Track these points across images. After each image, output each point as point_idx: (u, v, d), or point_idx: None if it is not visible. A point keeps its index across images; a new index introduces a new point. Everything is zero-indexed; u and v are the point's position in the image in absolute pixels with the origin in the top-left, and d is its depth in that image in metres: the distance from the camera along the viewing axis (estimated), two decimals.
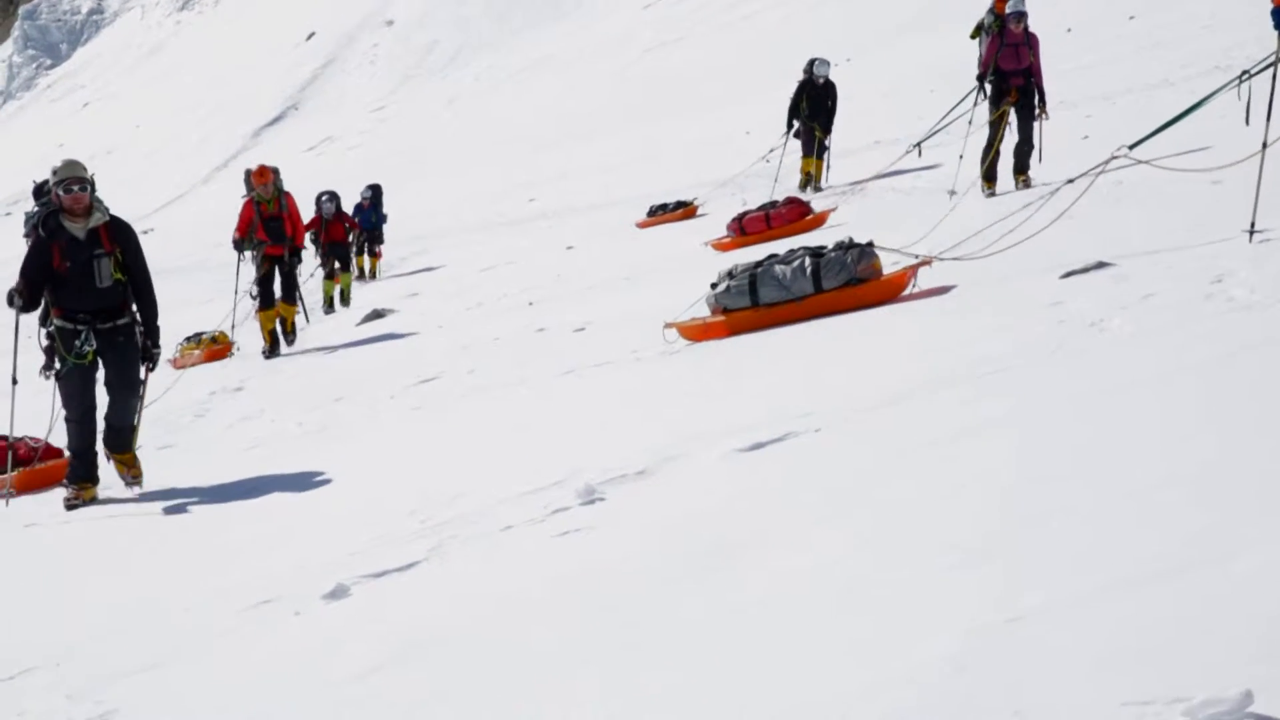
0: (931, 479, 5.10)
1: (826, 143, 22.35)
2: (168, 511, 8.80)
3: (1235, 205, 9.50)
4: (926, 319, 9.06)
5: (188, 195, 75.66)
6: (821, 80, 22.40)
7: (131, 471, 9.81)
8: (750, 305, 10.37)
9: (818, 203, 19.21)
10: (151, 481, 9.70)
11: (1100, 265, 8.87)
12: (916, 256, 10.05)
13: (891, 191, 18.89)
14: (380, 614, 5.25)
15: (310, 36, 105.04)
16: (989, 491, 4.73)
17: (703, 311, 10.72)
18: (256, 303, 17.78)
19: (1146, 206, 11.42)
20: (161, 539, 8.11)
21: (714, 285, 10.64)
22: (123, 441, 9.81)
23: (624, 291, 15.44)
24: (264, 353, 17.53)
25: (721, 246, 17.63)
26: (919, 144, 17.08)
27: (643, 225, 23.53)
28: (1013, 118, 16.30)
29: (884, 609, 3.92)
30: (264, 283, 17.53)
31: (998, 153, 16.10)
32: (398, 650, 4.67)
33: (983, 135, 16.40)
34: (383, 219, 28.14)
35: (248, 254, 17.88)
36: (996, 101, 16.44)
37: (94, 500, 9.63)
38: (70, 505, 9.57)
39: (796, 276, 10.18)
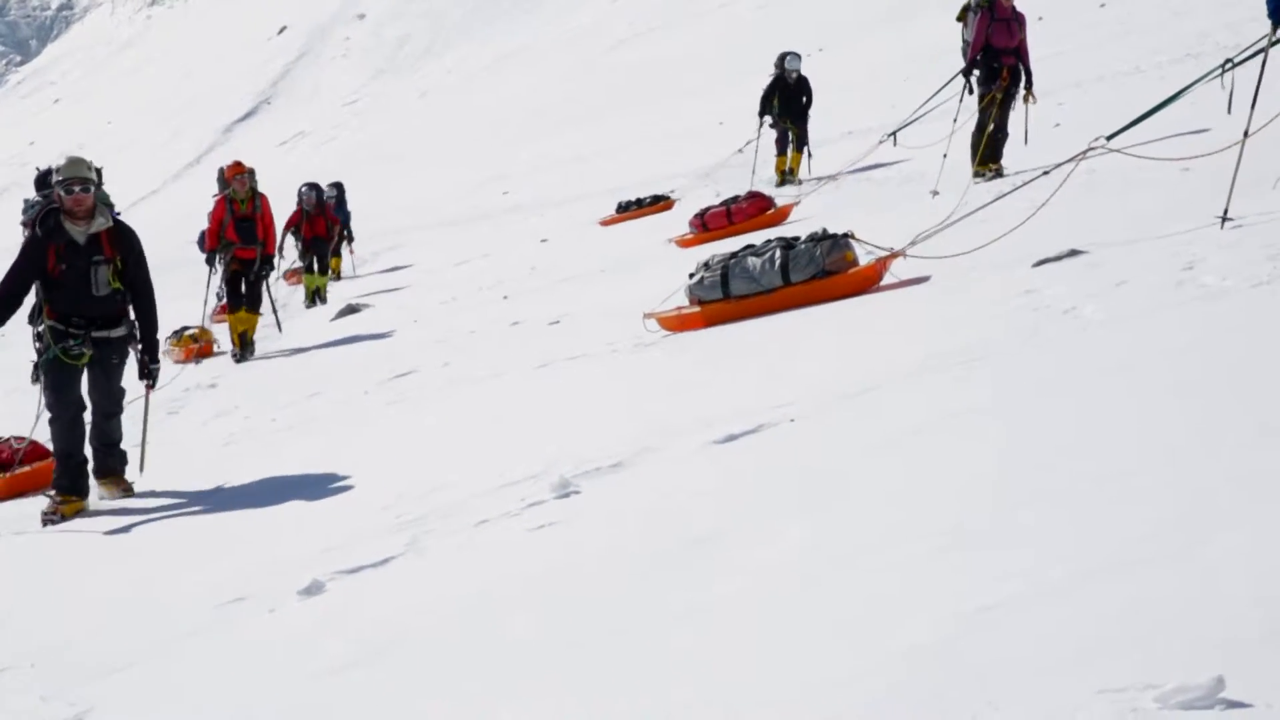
0: (906, 468, 5.11)
1: (805, 134, 22.10)
2: (141, 509, 8.76)
3: (1206, 193, 9.53)
4: (901, 309, 9.08)
5: (160, 191, 75.44)
6: (794, 77, 22.13)
7: (120, 486, 9.30)
8: (722, 297, 10.39)
9: (784, 197, 19.14)
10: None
11: (1073, 253, 8.90)
12: (890, 249, 10.04)
13: (866, 182, 18.89)
14: (355, 610, 5.24)
15: (282, 30, 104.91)
16: (963, 480, 4.73)
17: (682, 301, 10.73)
18: (223, 304, 17.29)
19: (1118, 194, 11.45)
20: (135, 537, 8.07)
21: (691, 275, 10.66)
22: (112, 462, 9.32)
23: (599, 284, 15.44)
24: (233, 355, 16.99)
25: (684, 243, 17.59)
26: (894, 133, 17.00)
27: (606, 223, 23.28)
28: None
29: (858, 598, 3.92)
30: (231, 284, 16.88)
31: (990, 136, 15.99)
32: (373, 647, 4.66)
33: (966, 131, 16.24)
34: (348, 216, 27.85)
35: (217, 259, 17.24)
36: (989, 82, 16.19)
37: (79, 514, 8.97)
38: (47, 520, 8.96)
39: (766, 269, 10.20)
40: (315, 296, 23.25)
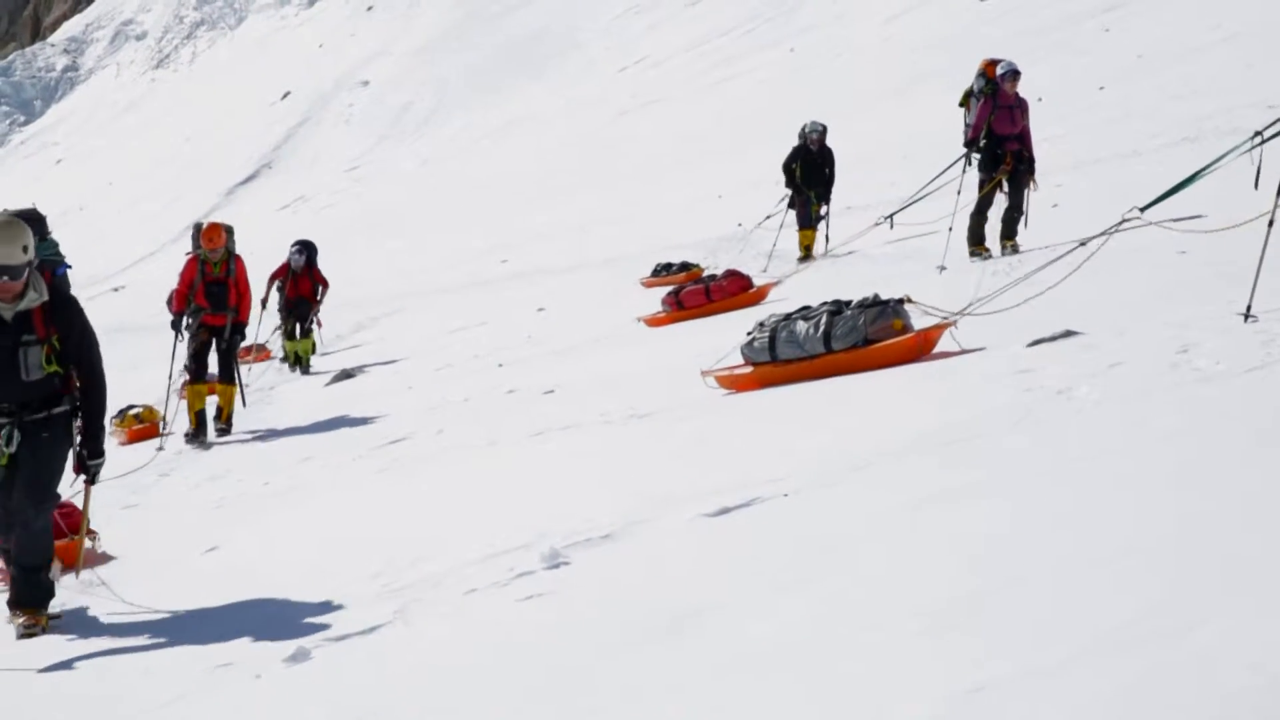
0: (897, 546, 5.09)
1: (823, 211, 21.49)
2: (128, 572, 8.70)
3: (1203, 275, 9.55)
4: (897, 386, 9.07)
5: (159, 253, 75.48)
6: (816, 146, 21.54)
7: (37, 622, 7.51)
8: (770, 360, 10.31)
9: (766, 276, 18.96)
10: (113, 540, 9.60)
11: (1068, 334, 8.90)
12: (945, 316, 9.89)
13: (864, 260, 18.88)
14: (339, 679, 5.20)
15: (285, 95, 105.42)
16: (955, 559, 4.71)
17: (738, 360, 10.64)
18: (186, 376, 15.48)
19: (1115, 275, 11.46)
20: (120, 600, 8.01)
21: (748, 334, 10.57)
22: (31, 591, 7.54)
23: (595, 354, 15.44)
24: (186, 436, 15.18)
25: (655, 322, 17.52)
26: (890, 216, 16.98)
27: (648, 284, 22.60)
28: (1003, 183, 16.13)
29: (849, 678, 3.90)
30: (198, 355, 15.37)
31: (985, 218, 15.95)
32: (353, 718, 4.63)
33: (968, 210, 16.21)
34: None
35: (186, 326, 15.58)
36: (991, 168, 16.20)
37: (54, 621, 7.62)
38: (27, 633, 7.46)
39: (810, 335, 10.07)
40: (297, 363, 22.06)
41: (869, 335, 9.92)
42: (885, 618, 4.28)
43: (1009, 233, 15.90)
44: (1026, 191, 16.14)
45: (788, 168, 21.68)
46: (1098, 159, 22.17)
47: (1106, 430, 6.24)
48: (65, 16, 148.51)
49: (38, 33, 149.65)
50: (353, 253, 47.44)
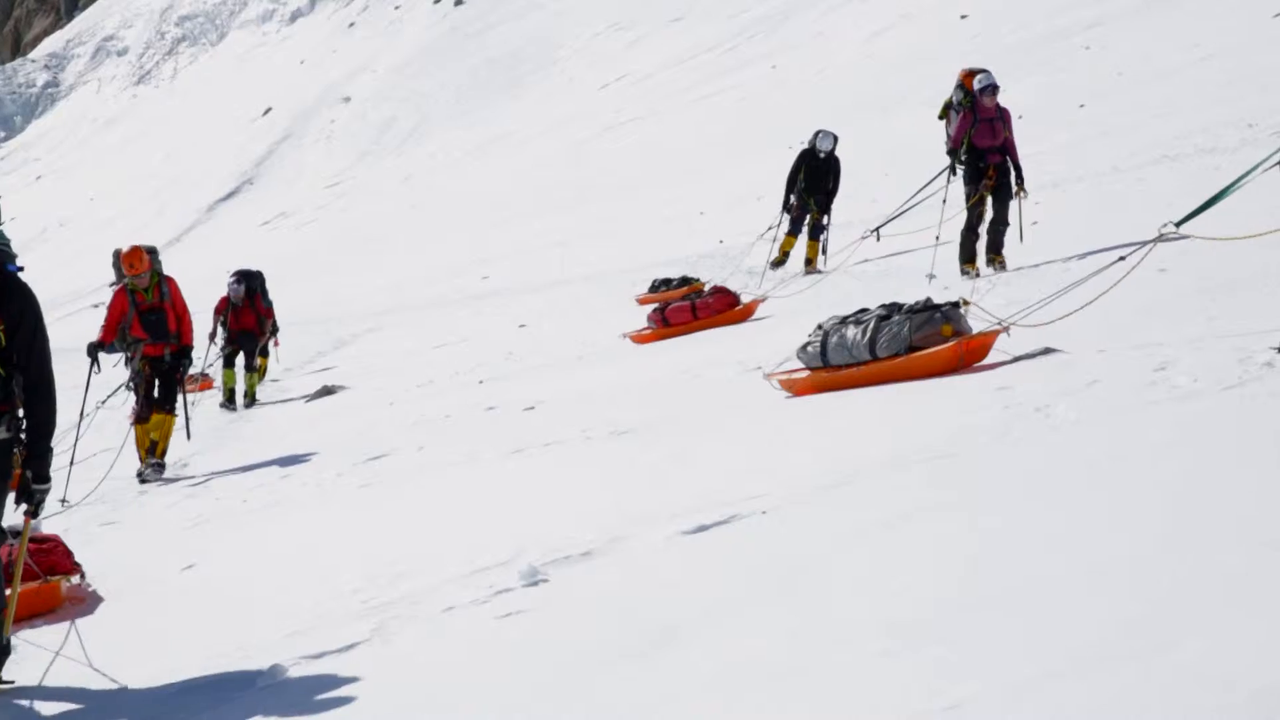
0: (874, 562, 5.09)
1: (824, 221, 21.12)
2: (105, 589, 8.67)
3: (1182, 292, 9.55)
4: (876, 401, 9.08)
5: None
6: (823, 154, 21.16)
7: None
8: (822, 366, 10.12)
9: (750, 292, 18.93)
10: (91, 559, 9.55)
11: (1047, 351, 8.91)
12: (999, 321, 9.51)
13: (844, 275, 18.90)
14: (317, 698, 5.18)
15: (267, 112, 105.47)
16: (931, 576, 4.72)
17: (797, 364, 10.47)
18: (135, 412, 14.26)
19: (1094, 293, 11.49)
20: (95, 619, 7.98)
21: (808, 336, 10.39)
22: None
23: (575, 370, 15.44)
24: (139, 474, 14.07)
25: (640, 339, 17.52)
26: (876, 229, 16.88)
27: (643, 301, 22.42)
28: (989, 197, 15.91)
29: (823, 694, 3.90)
30: (147, 396, 14.30)
31: (977, 234, 15.72)
32: None
33: (957, 215, 16.14)
34: (269, 306, 23.13)
35: (118, 356, 14.61)
36: (975, 181, 15.93)
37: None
38: None
39: (857, 341, 9.84)
40: (234, 396, 20.77)
41: (914, 342, 9.60)
42: (861, 635, 4.28)
43: (996, 247, 15.68)
44: (1016, 202, 15.97)
45: (793, 174, 21.37)
46: (1078, 176, 22.20)
47: (1084, 448, 6.24)
48: (46, 32, 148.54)
49: (18, 48, 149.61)
50: (334, 269, 47.39)
